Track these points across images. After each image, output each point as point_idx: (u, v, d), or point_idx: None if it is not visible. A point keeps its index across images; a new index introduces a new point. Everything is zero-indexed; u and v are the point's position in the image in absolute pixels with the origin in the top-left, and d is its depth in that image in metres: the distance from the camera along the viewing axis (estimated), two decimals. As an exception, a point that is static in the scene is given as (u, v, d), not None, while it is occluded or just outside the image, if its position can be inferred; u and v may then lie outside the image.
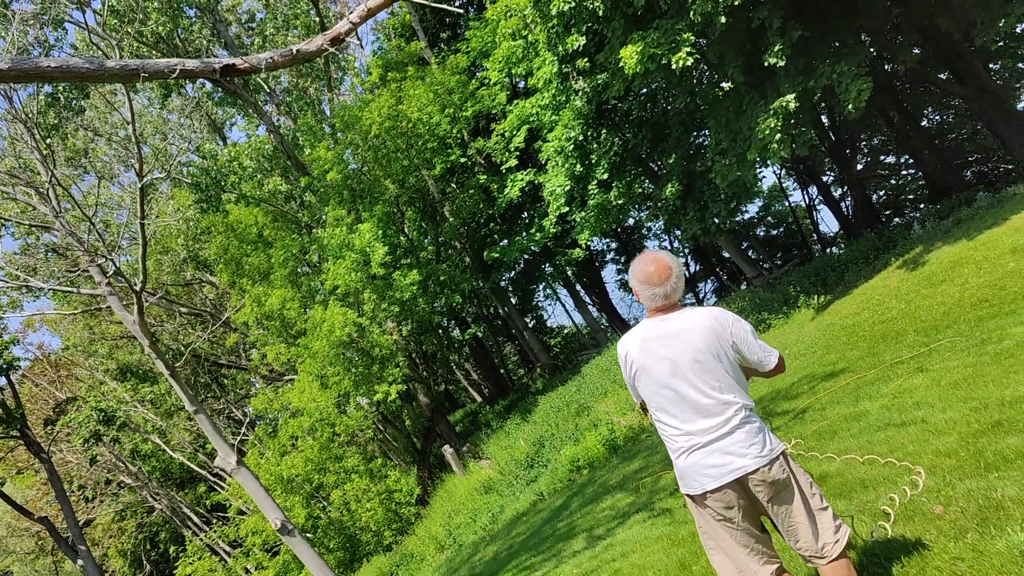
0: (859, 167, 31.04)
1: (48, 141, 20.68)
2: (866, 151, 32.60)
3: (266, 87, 29.47)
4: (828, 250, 35.22)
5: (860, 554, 3.92)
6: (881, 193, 34.94)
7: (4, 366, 20.88)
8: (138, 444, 33.08)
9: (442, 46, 30.20)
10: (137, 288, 16.01)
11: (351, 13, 5.94)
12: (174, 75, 5.31)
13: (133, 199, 26.59)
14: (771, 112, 12.96)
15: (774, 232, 40.14)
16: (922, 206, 30.12)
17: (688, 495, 3.30)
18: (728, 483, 3.15)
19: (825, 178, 33.47)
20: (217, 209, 26.06)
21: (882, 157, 33.64)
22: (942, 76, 20.43)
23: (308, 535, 21.35)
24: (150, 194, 28.64)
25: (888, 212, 33.41)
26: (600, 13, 13.84)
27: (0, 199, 20.95)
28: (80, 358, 34.03)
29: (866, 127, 28.58)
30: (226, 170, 26.73)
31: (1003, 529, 3.38)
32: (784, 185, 37.57)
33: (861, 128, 27.91)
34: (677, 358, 3.20)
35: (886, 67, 21.87)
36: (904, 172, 33.69)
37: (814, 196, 35.54)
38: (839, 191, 33.71)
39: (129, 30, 21.23)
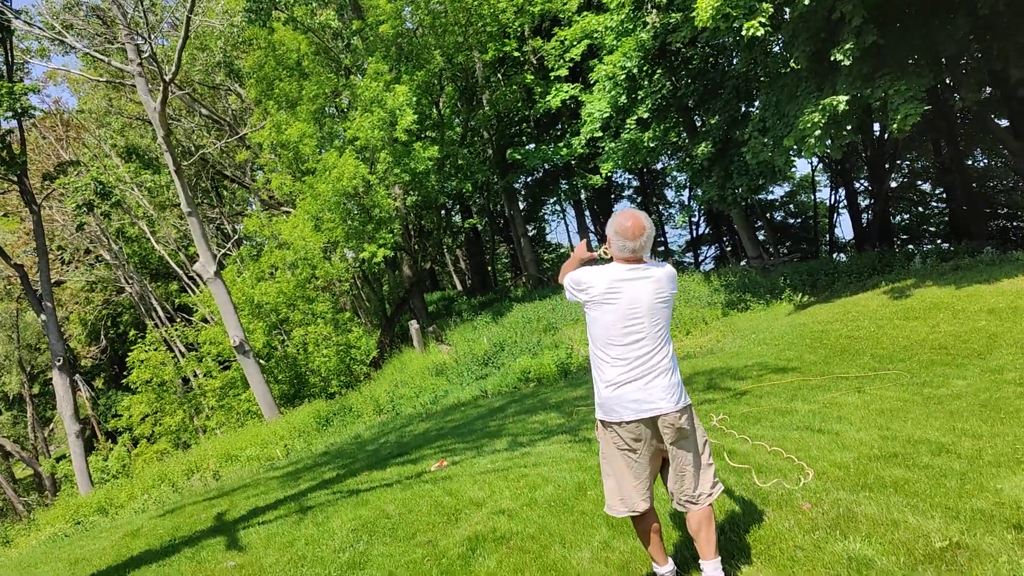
0: (892, 184, 30.91)
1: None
2: (905, 171, 32.39)
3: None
4: (835, 255, 35.41)
5: (724, 515, 4.42)
6: (905, 216, 34.89)
7: (19, 110, 21.02)
8: (126, 226, 33.60)
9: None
10: (167, 78, 16.17)
11: None
12: None
13: (186, -13, 26.22)
14: (820, 107, 12.99)
15: (791, 220, 40.18)
16: (937, 242, 30.23)
17: (603, 421, 3.72)
18: (644, 419, 3.58)
19: (856, 185, 33.33)
20: (264, 24, 25.76)
21: (918, 182, 33.46)
22: (1001, 123, 20.29)
23: (261, 361, 22.19)
24: (203, -12, 28.18)
25: (905, 237, 33.48)
26: (691, -45, 13.60)
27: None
28: (92, 125, 34.11)
29: (912, 148, 28.36)
30: (284, -13, 26.27)
31: (847, 536, 3.85)
32: (816, 179, 37.41)
33: (907, 147, 27.70)
34: (639, 300, 3.61)
35: (953, 96, 21.63)
36: (933, 203, 33.60)
37: (840, 198, 35.47)
38: (865, 202, 33.66)
39: None
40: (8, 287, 34.14)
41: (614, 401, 3.64)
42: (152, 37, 17.23)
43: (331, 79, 24.24)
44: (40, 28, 20.00)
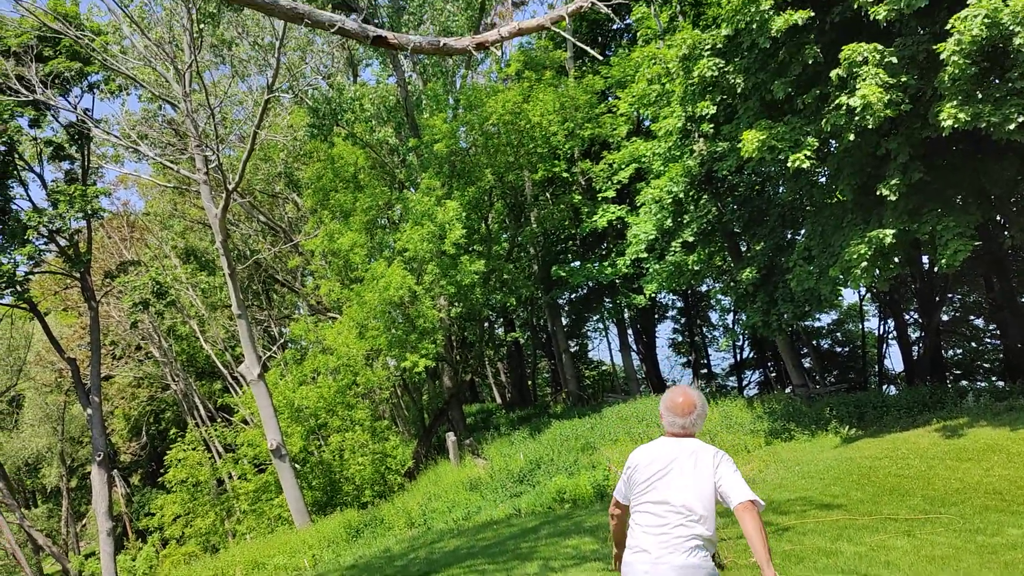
0: (943, 317, 30.40)
1: (200, 26, 21.77)
2: (957, 304, 31.90)
3: (411, 43, 30.27)
4: (885, 387, 34.53)
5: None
6: (958, 351, 34.12)
7: (89, 212, 22.08)
8: (177, 324, 34.46)
9: (585, 60, 30.65)
10: (231, 187, 16.91)
11: (503, 26, 6.39)
12: (332, 30, 5.85)
13: (255, 103, 27.77)
14: (866, 239, 13.01)
15: (838, 349, 39.51)
16: (992, 379, 29.36)
17: None
18: None
19: (906, 316, 32.86)
20: (325, 138, 27.02)
21: (970, 317, 32.87)
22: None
23: (296, 465, 22.11)
24: (271, 103, 29.77)
25: (957, 372, 32.62)
26: (739, 90, 14.06)
27: (139, 62, 22.14)
28: (155, 227, 35.60)
29: (963, 282, 28.02)
30: (346, 106, 27.63)
31: None
32: (864, 308, 36.99)
33: (957, 281, 27.37)
34: (680, 475, 3.67)
35: (1004, 233, 21.51)
36: (987, 340, 32.84)
37: (889, 329, 34.92)
38: (916, 334, 33.07)
39: (308, -49, 22.17)
40: (59, 380, 34.91)
41: (633, 568, 3.68)
42: (220, 149, 18.15)
43: (385, 192, 25.11)
44: (117, 137, 21.23)
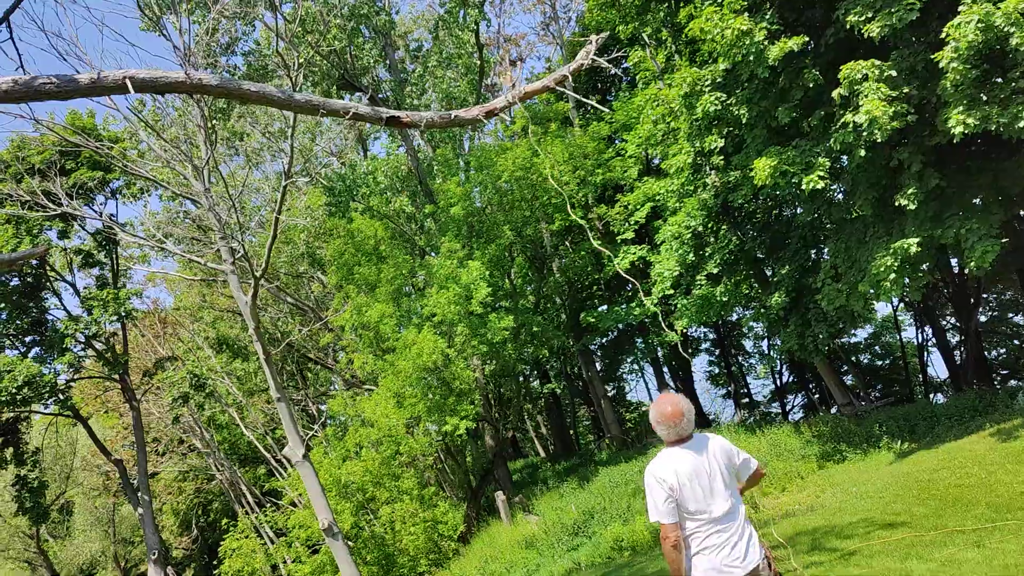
0: (982, 319, 29.94)
1: (213, 121, 22.46)
2: (993, 304, 31.44)
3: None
4: (932, 396, 33.88)
5: None
6: (1002, 351, 33.49)
7: (123, 314, 22.56)
8: (216, 414, 34.76)
9: (588, 108, 31.13)
10: (257, 274, 17.25)
11: (509, 91, 6.60)
12: (347, 116, 6.08)
13: (273, 189, 28.44)
14: (891, 251, 12.98)
15: (879, 363, 38.90)
16: (1041, 375, 28.75)
17: None
18: (749, 572, 3.97)
19: (943, 322, 32.39)
20: (344, 215, 27.53)
21: (1010, 315, 32.34)
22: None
23: (349, 542, 22.01)
24: (288, 188, 30.47)
25: (1004, 372, 31.97)
26: (744, 120, 14.23)
27: (158, 163, 22.84)
28: (186, 320, 36.18)
29: (997, 281, 27.66)
30: (360, 181, 28.22)
31: None
32: (900, 318, 36.52)
33: (992, 281, 27.03)
34: (711, 477, 4.05)
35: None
36: (1029, 336, 32.25)
37: (928, 337, 34.39)
38: (955, 339, 32.54)
39: (309, 39, 22.96)
40: (106, 482, 35.20)
41: (717, 562, 4.04)
42: (243, 238, 18.55)
43: (407, 260, 25.43)
44: (143, 238, 21.80)
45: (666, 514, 4.11)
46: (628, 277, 5.04)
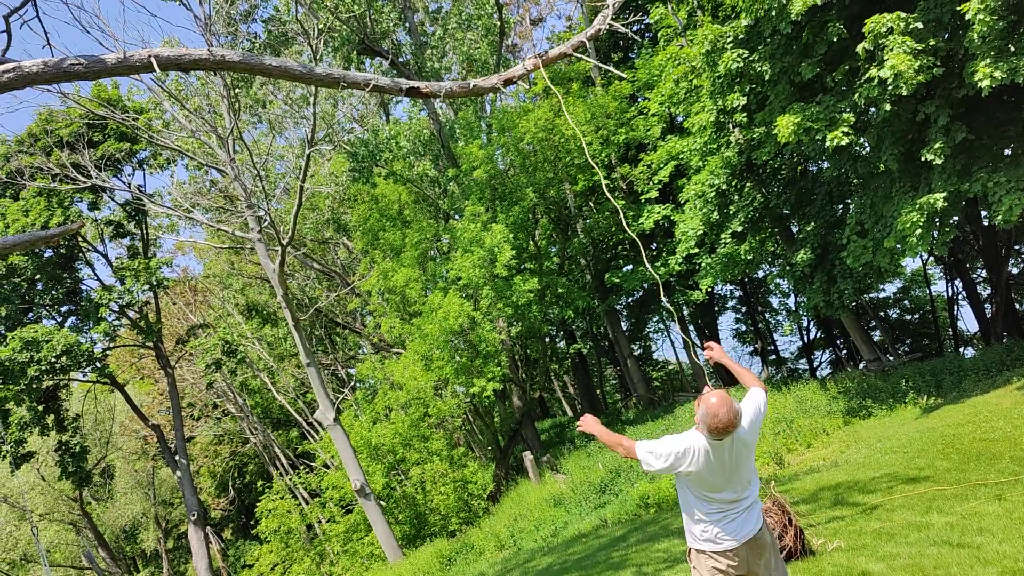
0: (1013, 271, 29.57)
1: (236, 91, 22.59)
2: (1024, 256, 30.98)
3: (438, 77, 30.85)
4: (961, 350, 33.59)
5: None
6: (1032, 302, 33.07)
7: (155, 283, 23.00)
8: (248, 379, 35.42)
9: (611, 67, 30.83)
10: (284, 242, 17.49)
11: (528, 58, 6.64)
12: (368, 88, 6.17)
13: (297, 156, 28.60)
14: (917, 206, 12.87)
15: (908, 317, 38.61)
16: (1072, 327, 28.37)
17: (711, 552, 4.20)
18: (746, 541, 4.14)
19: (973, 275, 32.01)
20: (367, 180, 27.65)
21: (1041, 266, 31.86)
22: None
23: (382, 502, 22.53)
24: (311, 156, 30.62)
25: (1035, 324, 31.59)
26: (767, 77, 14.08)
27: (183, 133, 23.06)
28: (216, 288, 36.72)
29: (1028, 233, 27.21)
30: (383, 146, 28.25)
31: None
32: (929, 272, 36.12)
33: (1023, 233, 26.62)
34: (733, 470, 4.17)
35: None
36: (1061, 287, 31.77)
37: (958, 290, 34.02)
38: (986, 292, 32.17)
39: (328, 4, 22.88)
40: (145, 446, 36.11)
41: (722, 532, 4.28)
42: (269, 205, 18.80)
43: (431, 224, 25.56)
44: (171, 208, 22.12)
45: (649, 459, 4.28)
46: (637, 240, 5.08)
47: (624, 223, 6.28)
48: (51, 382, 23.28)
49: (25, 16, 5.99)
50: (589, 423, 4.67)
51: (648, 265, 5.56)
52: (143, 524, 40.61)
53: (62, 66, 5.27)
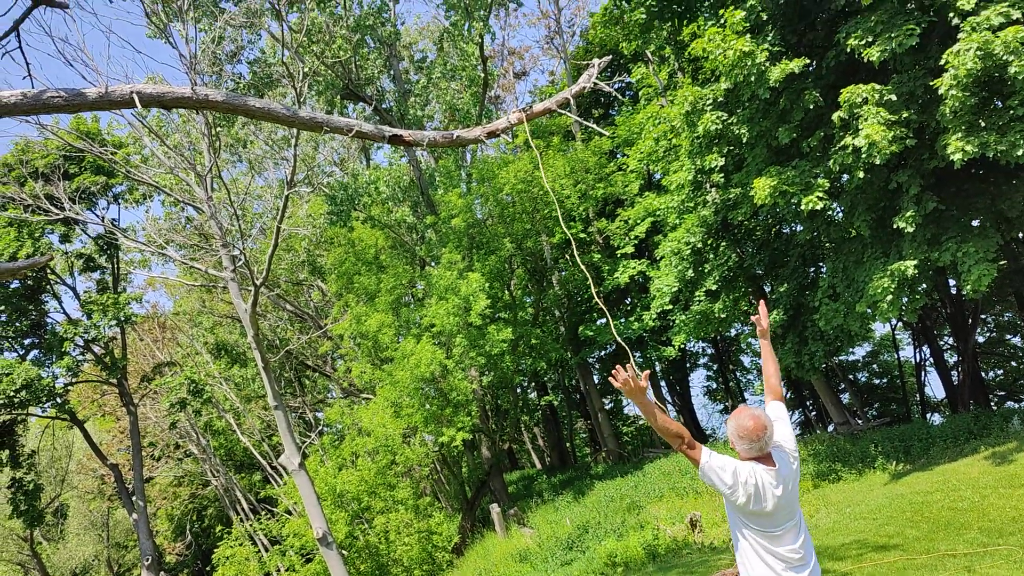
0: (979, 340, 29.99)
1: (217, 129, 22.58)
2: (991, 325, 31.49)
3: (420, 124, 31.10)
4: (928, 416, 33.83)
5: None
6: (999, 372, 33.51)
7: (123, 319, 22.62)
8: (213, 419, 34.74)
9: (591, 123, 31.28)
10: (258, 282, 17.30)
11: (512, 112, 6.68)
12: (351, 134, 6.15)
13: (275, 196, 28.51)
14: (888, 272, 13.05)
15: (876, 381, 38.94)
16: (1037, 397, 28.77)
17: None
18: None
19: (940, 342, 32.43)
20: (345, 223, 27.60)
21: (1008, 336, 32.40)
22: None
23: (344, 552, 21.97)
24: (290, 196, 30.57)
25: (1001, 394, 31.99)
26: (744, 140, 14.33)
27: (161, 169, 22.91)
28: (185, 325, 36.19)
29: (996, 302, 27.73)
30: (362, 190, 28.28)
31: None
32: (898, 337, 36.56)
33: (989, 302, 27.11)
34: (791, 502, 3.88)
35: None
36: (1026, 357, 32.29)
37: (925, 357, 34.42)
38: (953, 359, 32.59)
39: (314, 49, 23.08)
40: (101, 486, 35.14)
41: None
42: (244, 245, 18.62)
43: (407, 270, 25.48)
44: (144, 243, 21.87)
45: (712, 463, 3.76)
46: (601, 304, 4.73)
47: (593, 290, 6.27)
48: (8, 416, 22.66)
49: (7, 46, 5.93)
50: (629, 383, 3.71)
51: (615, 335, 5.53)
52: (94, 567, 39.32)
53: (41, 98, 5.21)
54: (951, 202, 13.49)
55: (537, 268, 28.97)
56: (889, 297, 13.15)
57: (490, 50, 31.57)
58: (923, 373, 35.07)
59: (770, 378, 4.40)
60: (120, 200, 25.52)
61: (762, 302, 4.67)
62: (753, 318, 4.56)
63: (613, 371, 3.72)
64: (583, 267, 6.65)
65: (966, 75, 10.79)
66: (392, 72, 28.06)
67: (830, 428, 25.94)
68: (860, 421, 23.91)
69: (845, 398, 33.34)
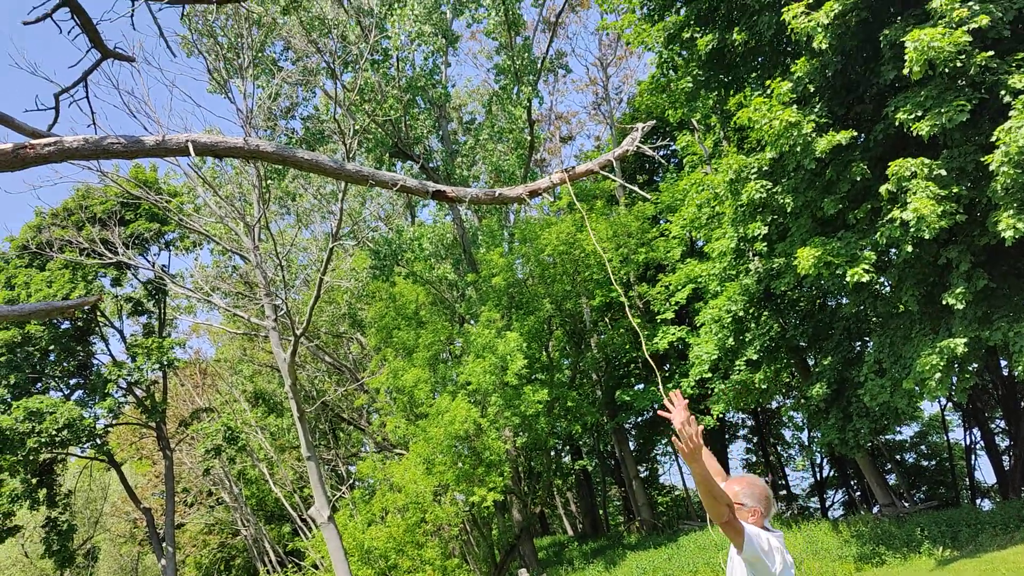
0: (1032, 424, 28.91)
1: (268, 181, 23.19)
2: (1045, 410, 30.36)
3: (465, 184, 31.54)
4: (978, 501, 32.55)
5: None
6: (1053, 458, 32.20)
7: (165, 363, 22.98)
8: (247, 468, 34.84)
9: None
10: (298, 332, 17.49)
11: (556, 172, 6.74)
12: (395, 188, 6.23)
13: (320, 249, 29.02)
14: (937, 349, 12.72)
15: (924, 463, 37.66)
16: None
17: None
18: None
19: (992, 425, 31.37)
20: (387, 279, 27.90)
21: (1062, 421, 31.19)
22: None
23: (368, 611, 21.63)
24: (334, 249, 31.07)
25: (1055, 480, 30.66)
26: (789, 209, 14.25)
27: (212, 218, 23.54)
28: (226, 372, 36.62)
29: (1049, 385, 26.79)
30: (406, 246, 28.62)
31: None
32: (947, 418, 35.44)
33: (1042, 385, 26.20)
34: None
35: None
36: (1082, 444, 30.98)
37: (976, 440, 33.28)
38: (1004, 442, 31.45)
39: (366, 107, 23.71)
40: (133, 530, 35.24)
41: None
42: (287, 295, 18.93)
43: (446, 327, 25.56)
44: (191, 290, 22.34)
45: (755, 538, 3.48)
46: (652, 363, 4.57)
47: (643, 343, 6.19)
48: (49, 455, 22.98)
49: (75, 95, 6.18)
50: (690, 438, 3.30)
51: (663, 390, 5.41)
52: (121, 612, 39.21)
53: (101, 144, 5.38)
54: (1003, 280, 13.17)
55: (576, 330, 28.86)
56: (938, 375, 12.78)
57: (538, 114, 32.10)
58: (973, 456, 33.85)
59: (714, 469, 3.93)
60: (171, 247, 26.22)
61: (676, 392, 3.59)
62: (673, 438, 3.47)
63: (680, 422, 3.34)
64: (635, 323, 6.57)
65: (1018, 152, 10.64)
66: (440, 132, 28.63)
67: (875, 509, 25.04)
68: (906, 503, 23.05)
69: (891, 479, 32.24)
